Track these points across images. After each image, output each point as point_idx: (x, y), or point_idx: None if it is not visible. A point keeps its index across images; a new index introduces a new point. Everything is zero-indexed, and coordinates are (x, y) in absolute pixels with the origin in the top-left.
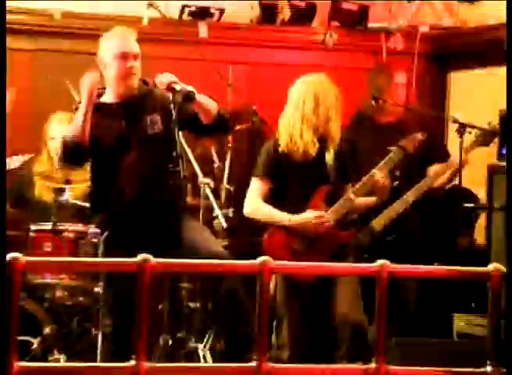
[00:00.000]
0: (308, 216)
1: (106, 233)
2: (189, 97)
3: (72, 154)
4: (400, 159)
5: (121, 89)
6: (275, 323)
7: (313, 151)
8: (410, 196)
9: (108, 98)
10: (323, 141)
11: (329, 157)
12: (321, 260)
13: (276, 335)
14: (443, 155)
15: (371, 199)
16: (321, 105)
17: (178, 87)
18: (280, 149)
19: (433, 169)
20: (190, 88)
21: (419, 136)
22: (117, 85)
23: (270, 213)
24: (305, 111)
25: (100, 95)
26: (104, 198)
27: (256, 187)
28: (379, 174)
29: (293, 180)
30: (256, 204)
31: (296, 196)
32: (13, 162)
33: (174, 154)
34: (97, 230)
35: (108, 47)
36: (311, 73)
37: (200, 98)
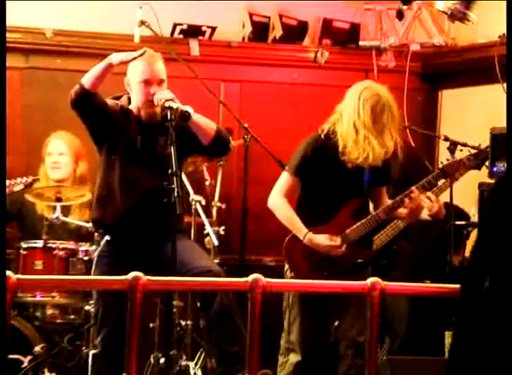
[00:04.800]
0: (322, 242)
1: (102, 243)
2: (185, 116)
3: (78, 100)
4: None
5: (143, 114)
6: (285, 326)
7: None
8: (401, 222)
9: (134, 110)
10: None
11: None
12: (340, 274)
13: (285, 338)
14: None
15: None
16: (384, 116)
17: (174, 105)
18: (324, 150)
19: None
20: (187, 108)
21: (463, 160)
22: (140, 109)
23: (291, 220)
24: (367, 119)
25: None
26: (104, 208)
27: (283, 182)
28: (416, 193)
29: (326, 187)
30: (280, 202)
31: (325, 203)
32: (17, 185)
33: (169, 171)
34: (89, 248)
35: (134, 71)
36: (368, 81)
37: (198, 118)
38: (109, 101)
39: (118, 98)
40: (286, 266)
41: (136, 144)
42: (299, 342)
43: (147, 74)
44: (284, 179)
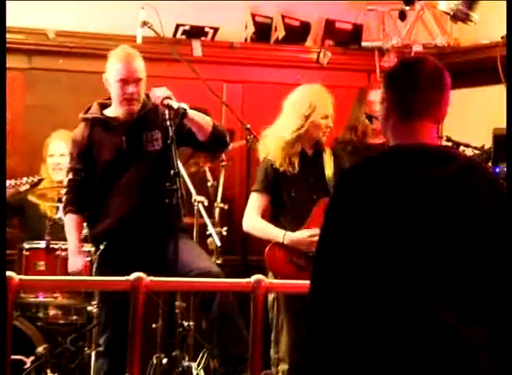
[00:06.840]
0: (302, 235)
1: (101, 248)
2: (182, 113)
3: None
4: None
5: (121, 112)
6: (273, 336)
7: (302, 161)
8: None
9: (113, 111)
10: (319, 149)
11: (328, 166)
12: None
13: (274, 349)
14: None
15: None
16: (317, 113)
17: (175, 105)
18: (274, 162)
19: None
20: (182, 105)
21: None
22: (118, 107)
23: (265, 230)
24: (300, 118)
25: (105, 106)
26: (101, 212)
27: (253, 202)
28: None
29: (292, 194)
30: (252, 220)
31: (296, 210)
32: (23, 185)
33: (172, 172)
34: (91, 249)
35: (112, 69)
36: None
37: (193, 114)
38: (76, 137)
39: (88, 110)
40: (270, 275)
41: (122, 144)
42: (286, 351)
43: (124, 73)
44: (253, 199)
